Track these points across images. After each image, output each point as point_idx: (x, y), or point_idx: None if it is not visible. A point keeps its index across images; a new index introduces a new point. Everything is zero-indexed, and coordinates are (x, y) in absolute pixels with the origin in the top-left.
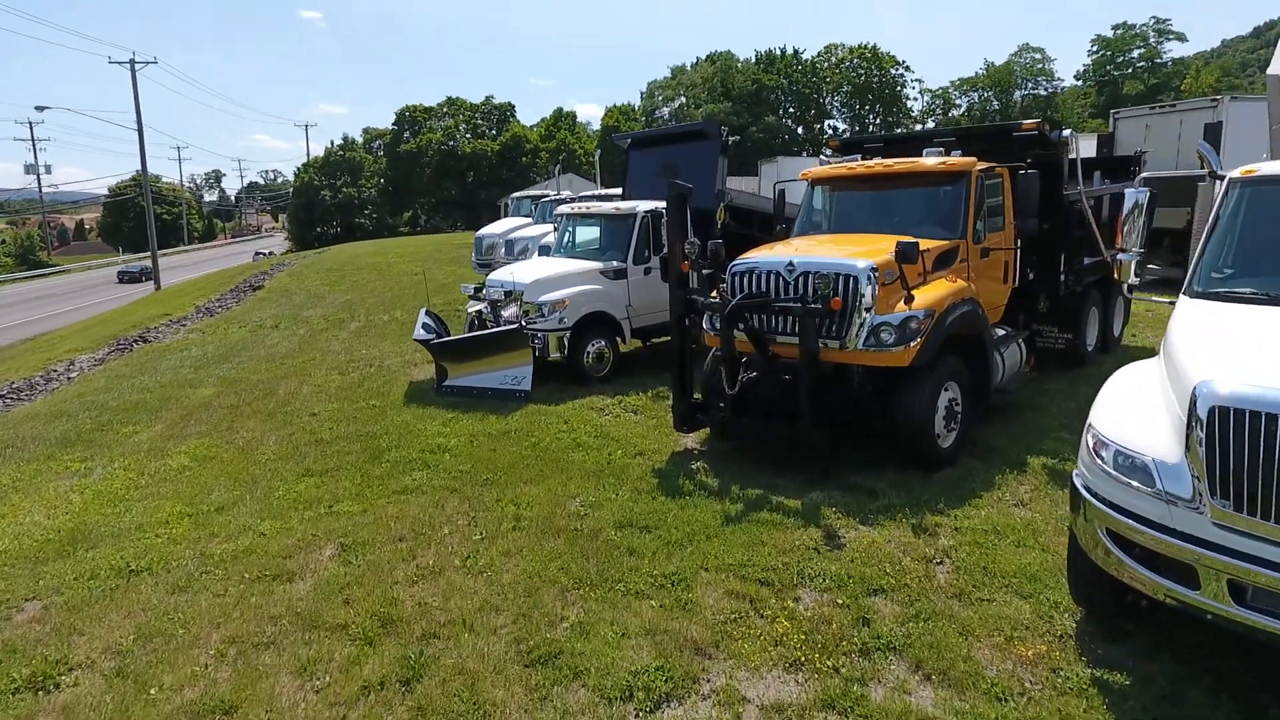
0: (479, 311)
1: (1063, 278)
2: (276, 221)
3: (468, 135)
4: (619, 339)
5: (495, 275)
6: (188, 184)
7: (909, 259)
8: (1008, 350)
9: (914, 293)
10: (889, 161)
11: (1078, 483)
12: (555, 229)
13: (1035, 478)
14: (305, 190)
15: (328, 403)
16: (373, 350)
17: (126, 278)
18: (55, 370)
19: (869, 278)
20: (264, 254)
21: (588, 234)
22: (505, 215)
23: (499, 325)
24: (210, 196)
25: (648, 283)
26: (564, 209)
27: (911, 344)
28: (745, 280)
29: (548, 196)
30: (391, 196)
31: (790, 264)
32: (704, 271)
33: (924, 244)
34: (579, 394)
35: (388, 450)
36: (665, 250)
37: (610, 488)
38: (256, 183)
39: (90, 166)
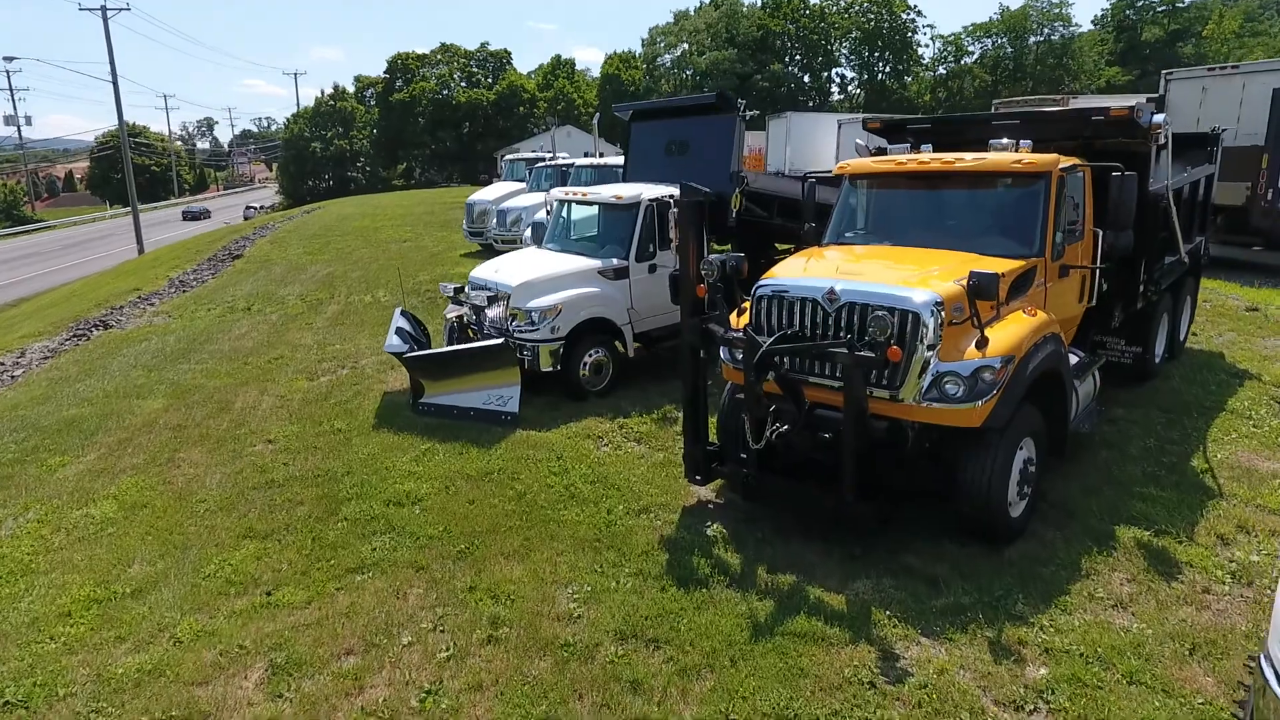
0: (460, 317)
1: (1143, 288)
2: (271, 171)
3: (462, 84)
4: (620, 345)
5: (479, 272)
6: (179, 132)
7: (985, 294)
8: (1083, 384)
9: (988, 332)
10: (948, 157)
11: (1268, 674)
12: (548, 203)
13: (1129, 559)
14: (295, 143)
15: (287, 424)
16: (348, 345)
17: (190, 216)
18: (2, 364)
19: (933, 313)
20: (255, 209)
21: (584, 220)
22: (501, 172)
23: (482, 332)
24: (203, 144)
25: (653, 282)
26: (558, 192)
27: (984, 400)
28: (774, 309)
29: (542, 160)
30: (384, 148)
31: (831, 292)
32: (719, 294)
33: (999, 266)
34: (573, 414)
35: (347, 500)
36: (675, 268)
37: (610, 568)
38: (250, 131)
39: (83, 114)
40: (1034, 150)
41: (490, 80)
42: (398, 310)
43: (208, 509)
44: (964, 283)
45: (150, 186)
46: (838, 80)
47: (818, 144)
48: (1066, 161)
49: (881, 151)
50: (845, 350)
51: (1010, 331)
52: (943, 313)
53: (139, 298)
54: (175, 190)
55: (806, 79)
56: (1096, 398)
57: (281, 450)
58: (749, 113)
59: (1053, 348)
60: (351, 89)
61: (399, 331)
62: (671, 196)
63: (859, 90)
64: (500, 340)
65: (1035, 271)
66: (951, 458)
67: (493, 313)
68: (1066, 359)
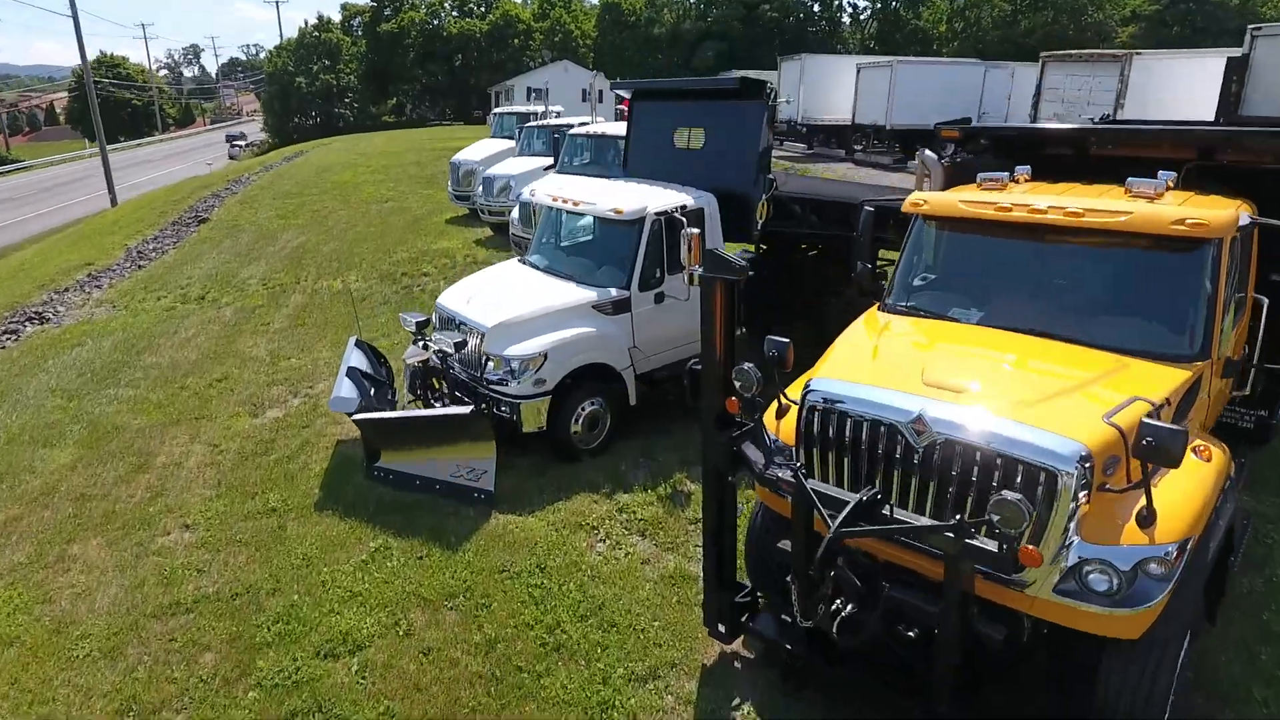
0: (425, 362)
1: None
2: (260, 103)
3: (454, 13)
4: (620, 386)
5: (448, 300)
6: (163, 60)
7: (1162, 457)
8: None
9: (1155, 503)
10: (1071, 204)
11: None
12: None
13: None
14: (279, 77)
15: (213, 496)
16: (304, 359)
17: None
18: None
19: (1079, 471)
20: (240, 146)
21: (576, 232)
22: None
23: (451, 377)
24: (190, 73)
25: (659, 313)
26: (544, 194)
27: (1148, 605)
28: (830, 429)
29: (533, 118)
30: (373, 83)
31: (920, 421)
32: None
33: (1154, 384)
34: (562, 483)
35: (266, 646)
36: (695, 368)
37: None
38: (239, 59)
39: (66, 41)
40: (1161, 177)
41: (483, 9)
42: (352, 342)
43: (88, 655)
44: (1118, 420)
45: (132, 122)
46: (849, 9)
47: (834, 90)
48: (1243, 212)
49: (963, 171)
50: (953, 537)
51: (1183, 495)
52: (1091, 471)
53: (89, 275)
54: (159, 125)
55: (816, 8)
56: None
57: (199, 545)
58: (778, 99)
59: (1232, 504)
60: (337, 18)
61: (352, 373)
62: (683, 207)
63: (871, 20)
64: (469, 409)
65: (1200, 382)
66: (1086, 663)
67: (465, 346)
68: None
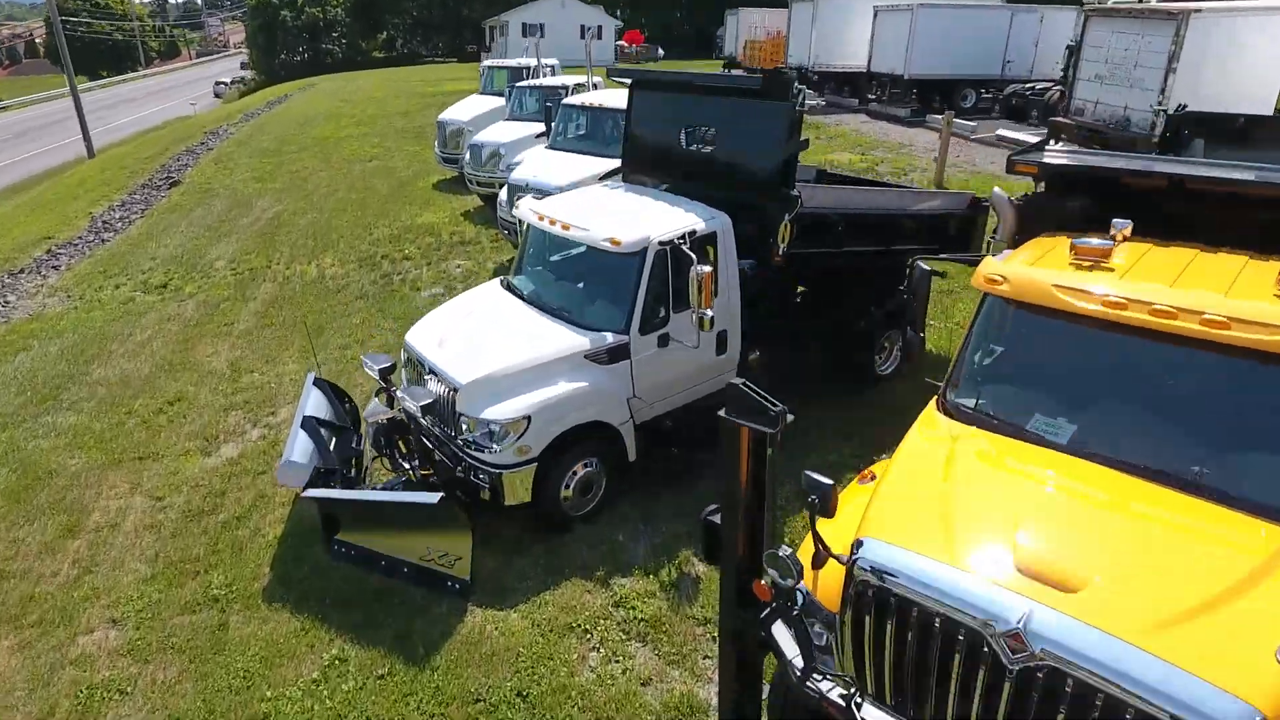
0: (391, 419)
1: None
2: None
3: None
4: (618, 443)
5: (416, 339)
6: None
7: None
8: None
9: None
10: (1209, 307)
11: None
12: (540, 134)
13: None
14: (262, 10)
15: (147, 576)
16: (268, 373)
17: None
18: None
19: None
20: (224, 84)
21: (566, 257)
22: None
23: (420, 441)
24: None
25: (663, 357)
26: (529, 210)
27: None
28: (888, 613)
29: (525, 73)
30: (362, 16)
31: (1017, 640)
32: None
33: None
34: (549, 566)
35: None
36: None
37: None
38: None
39: None
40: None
41: None
42: (309, 381)
43: None
44: None
45: (113, 56)
46: None
47: (849, 35)
48: None
49: (1037, 212)
50: None
51: None
52: None
53: (48, 252)
54: (141, 60)
55: None
56: None
57: (125, 649)
58: (808, 102)
59: None
60: None
61: (308, 425)
62: (692, 233)
63: None
64: (437, 498)
65: None
66: None
67: (435, 388)
68: None
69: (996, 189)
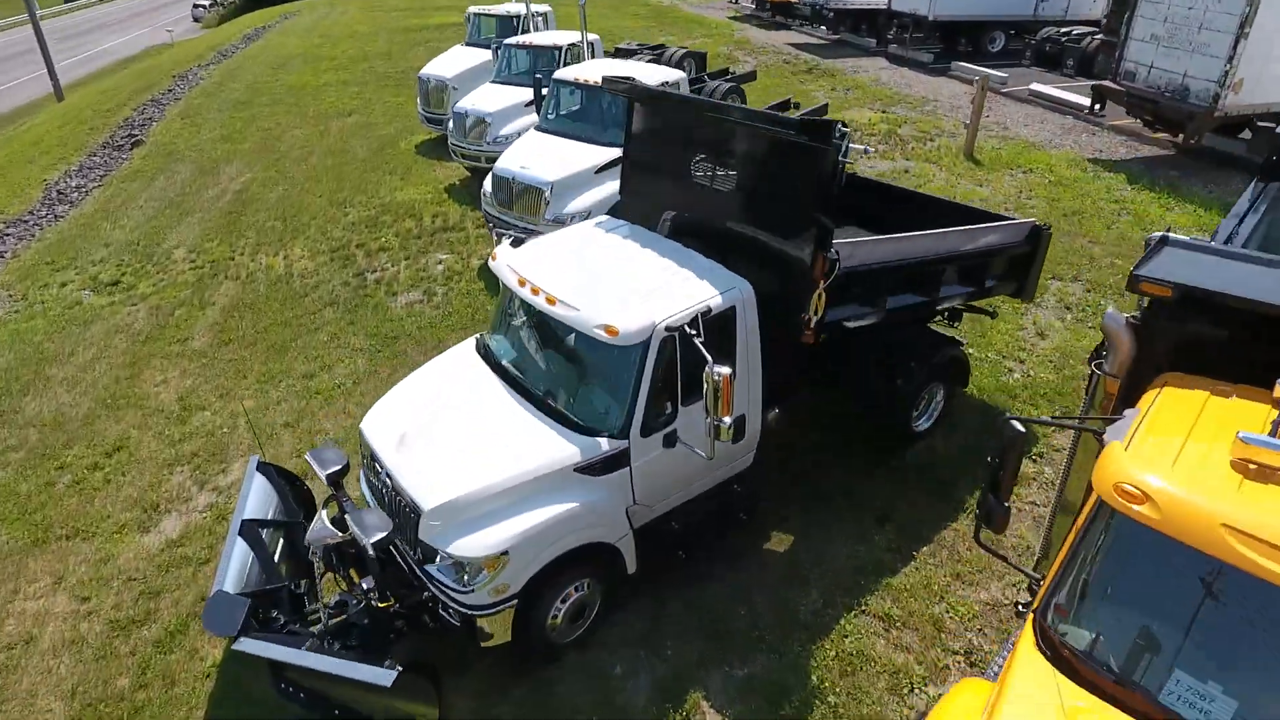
0: (339, 545)
1: None
2: None
3: None
4: (615, 558)
5: (373, 430)
6: None
7: None
8: None
9: None
10: None
11: None
12: (529, 103)
13: None
14: None
15: None
16: (222, 412)
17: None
18: None
19: None
20: (204, 8)
21: (551, 325)
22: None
23: (378, 575)
24: None
25: (669, 458)
26: (506, 265)
27: None
28: None
29: (515, 21)
30: None
31: None
32: None
33: None
34: (534, 711)
35: None
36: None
37: None
38: None
39: None
40: None
41: None
42: (252, 466)
43: None
44: None
45: None
46: None
47: None
48: None
49: (1159, 340)
50: None
51: None
52: None
53: None
54: None
55: None
56: None
57: None
58: (854, 147)
59: None
60: None
61: (246, 533)
62: (705, 312)
63: None
64: (391, 678)
65: None
66: None
67: (397, 502)
68: None
69: (1110, 311)
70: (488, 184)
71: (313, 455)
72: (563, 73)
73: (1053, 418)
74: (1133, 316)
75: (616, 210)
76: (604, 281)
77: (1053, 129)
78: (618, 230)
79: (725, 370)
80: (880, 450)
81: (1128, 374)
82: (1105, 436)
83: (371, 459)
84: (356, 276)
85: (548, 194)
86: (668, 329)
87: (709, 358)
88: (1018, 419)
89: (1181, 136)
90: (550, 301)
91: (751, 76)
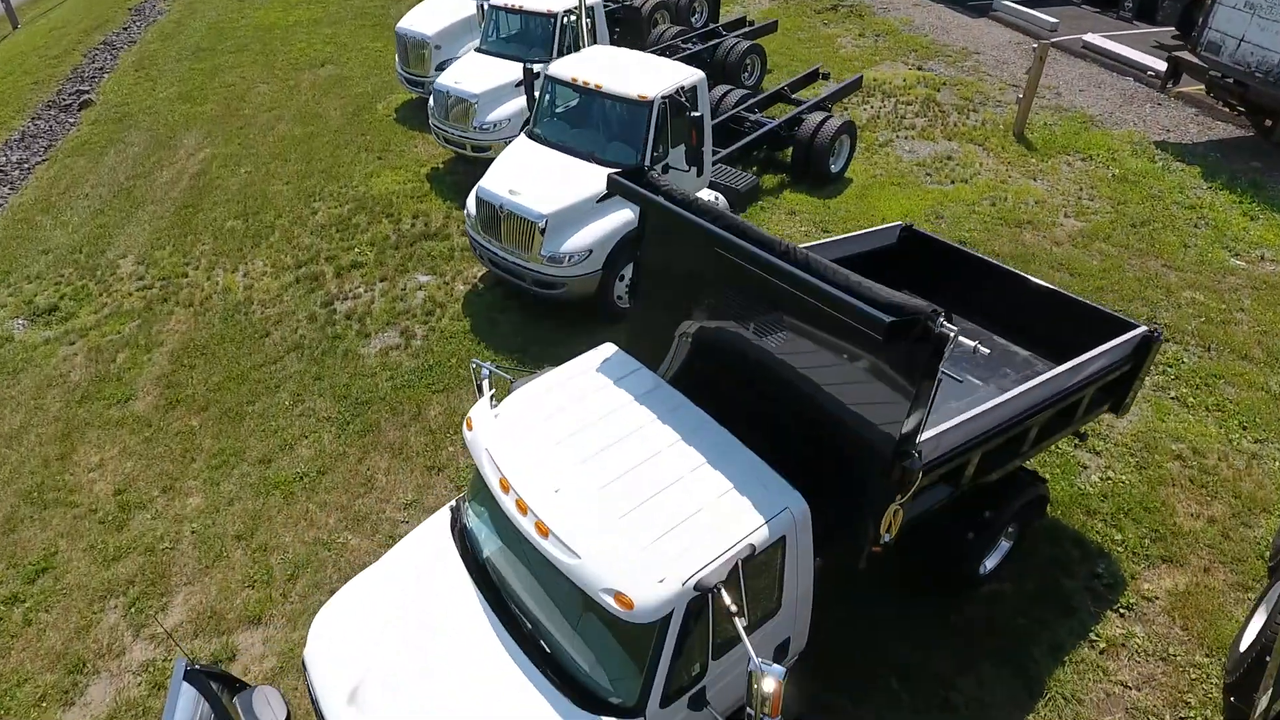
0: None
1: None
2: None
3: None
4: None
5: (320, 672)
6: None
7: None
8: None
9: None
10: None
11: None
12: (519, 83)
13: None
14: None
15: None
16: (165, 517)
17: None
18: None
19: None
20: None
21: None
22: None
23: None
24: None
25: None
26: (486, 455)
27: None
28: None
29: None
30: None
31: None
32: None
33: None
34: None
35: None
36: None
37: None
38: None
39: None
40: None
41: None
42: (178, 671)
43: None
44: None
45: None
46: None
47: None
48: None
49: None
50: None
51: None
52: None
53: None
54: None
55: None
56: None
57: None
58: (964, 343)
59: None
60: None
61: None
62: (747, 558)
63: None
64: None
65: None
66: None
67: None
68: None
69: None
70: (471, 203)
71: (243, 705)
72: (558, 69)
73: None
74: None
75: (629, 334)
76: (615, 499)
77: (1112, 96)
78: (633, 391)
79: (777, 677)
80: (936, 597)
81: None
82: None
83: (315, 706)
84: (325, 307)
85: (541, 227)
86: (698, 587)
87: (753, 655)
88: None
89: (1271, 124)
90: (541, 532)
91: (772, 28)
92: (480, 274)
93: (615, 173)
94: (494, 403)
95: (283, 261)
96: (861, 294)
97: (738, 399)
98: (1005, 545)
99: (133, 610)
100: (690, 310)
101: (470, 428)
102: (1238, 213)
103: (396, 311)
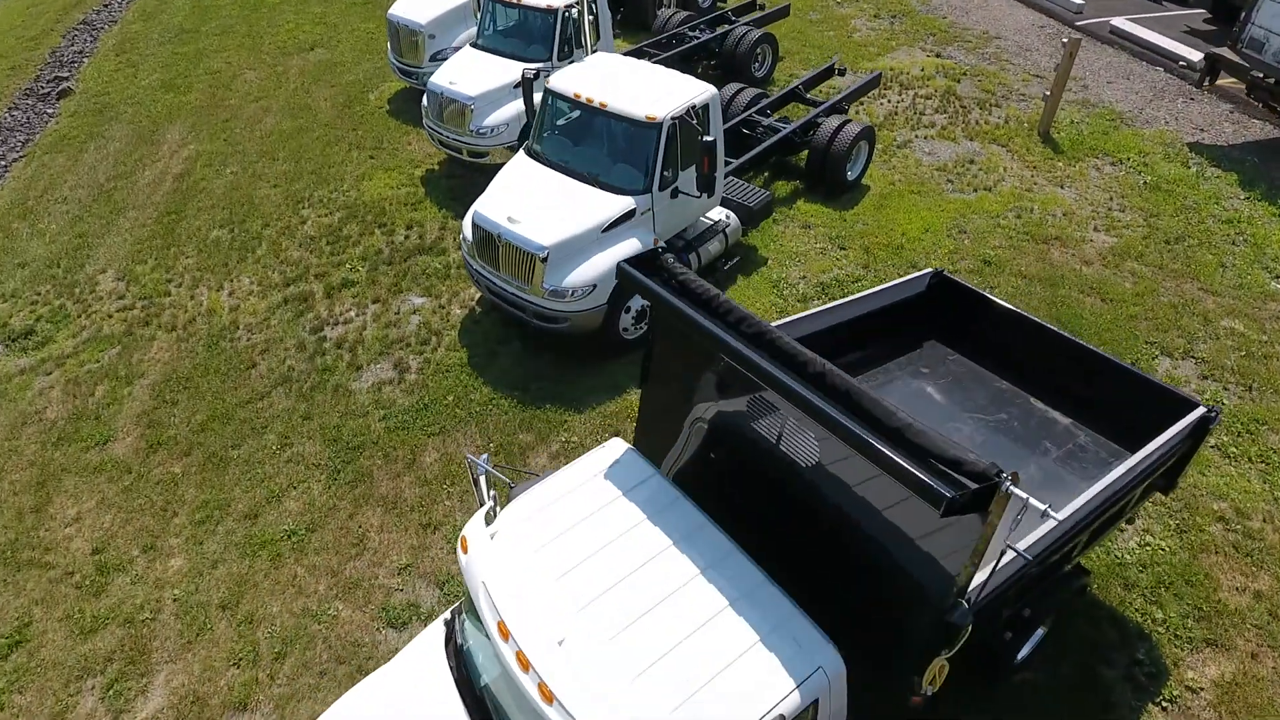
0: None
1: None
2: None
3: None
4: None
5: None
6: None
7: None
8: None
9: None
10: None
11: None
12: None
13: None
14: None
15: None
16: (145, 581)
17: None
18: None
19: None
20: None
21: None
22: None
23: None
24: None
25: None
26: (482, 588)
27: None
28: None
29: None
30: None
31: None
32: None
33: None
34: None
35: None
36: None
37: None
38: None
39: None
40: None
41: None
42: None
43: None
44: None
45: None
46: None
47: None
48: None
49: None
50: None
51: None
52: None
53: None
54: None
55: None
56: None
57: None
58: (1034, 505)
59: None
60: None
61: None
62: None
63: None
64: None
65: None
66: None
67: None
68: None
69: None
70: (467, 227)
71: None
72: (559, 82)
73: None
74: None
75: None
76: (626, 654)
77: (1142, 90)
78: (646, 507)
79: None
80: (965, 687)
81: None
82: None
83: None
84: (314, 333)
85: (542, 258)
86: None
87: None
88: None
89: None
90: (545, 697)
91: (784, 12)
92: (477, 296)
93: (625, 260)
94: (493, 513)
95: (270, 279)
96: (914, 446)
97: (757, 514)
98: (1040, 633)
99: (110, 693)
100: (705, 404)
101: (465, 549)
102: (1277, 226)
103: (390, 340)
